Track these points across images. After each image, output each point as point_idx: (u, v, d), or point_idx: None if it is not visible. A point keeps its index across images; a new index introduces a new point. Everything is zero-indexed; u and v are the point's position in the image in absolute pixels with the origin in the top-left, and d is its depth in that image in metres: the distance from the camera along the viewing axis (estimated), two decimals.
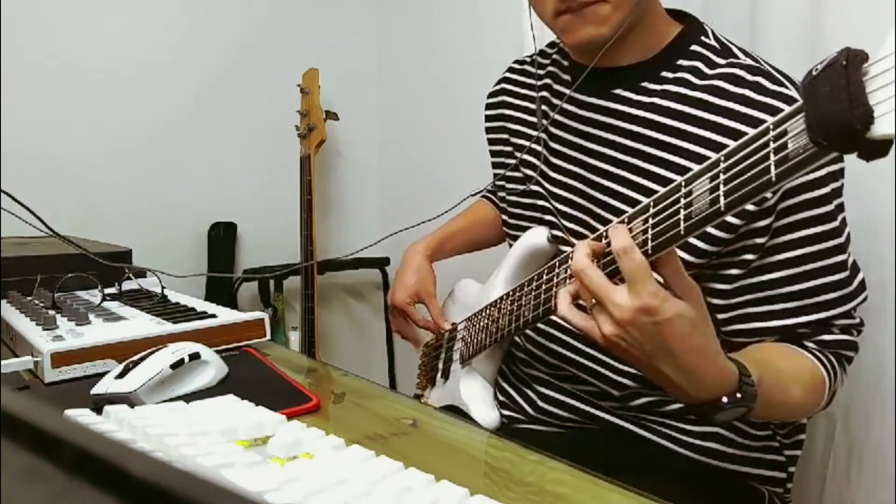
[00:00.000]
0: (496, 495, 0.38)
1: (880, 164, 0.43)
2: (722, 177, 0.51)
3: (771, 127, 0.47)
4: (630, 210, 0.59)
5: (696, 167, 0.71)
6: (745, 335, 0.73)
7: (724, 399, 0.58)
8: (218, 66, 1.87)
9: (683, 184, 0.55)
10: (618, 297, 0.55)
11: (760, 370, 0.61)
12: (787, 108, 0.46)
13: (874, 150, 0.41)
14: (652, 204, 0.57)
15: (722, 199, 0.50)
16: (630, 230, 0.57)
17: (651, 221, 0.56)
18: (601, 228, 0.79)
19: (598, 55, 0.76)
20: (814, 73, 0.43)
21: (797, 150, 0.45)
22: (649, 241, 0.56)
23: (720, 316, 0.73)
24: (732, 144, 0.51)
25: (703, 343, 0.57)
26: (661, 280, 0.56)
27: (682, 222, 0.53)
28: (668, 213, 0.55)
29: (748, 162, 0.49)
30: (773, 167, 0.46)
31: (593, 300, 0.58)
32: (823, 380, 0.70)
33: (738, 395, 0.58)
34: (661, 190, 0.57)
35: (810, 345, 0.71)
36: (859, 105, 0.40)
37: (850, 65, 0.41)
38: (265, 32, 1.94)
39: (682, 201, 0.54)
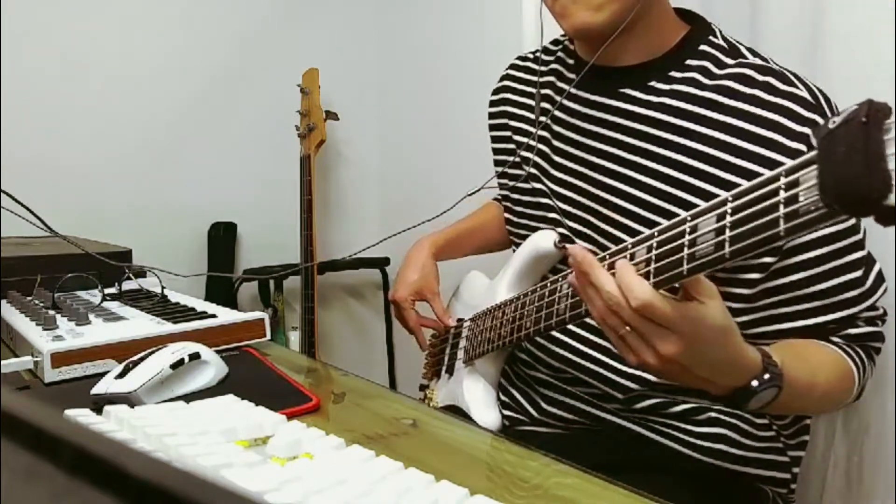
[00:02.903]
0: (496, 495, 0.38)
1: None
2: (728, 219, 0.49)
3: (783, 174, 0.45)
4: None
5: (704, 167, 0.72)
6: (769, 337, 0.72)
7: (755, 382, 0.59)
8: (218, 66, 1.87)
9: (689, 219, 0.53)
10: (688, 321, 0.54)
11: (781, 355, 0.62)
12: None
13: (891, 215, 0.38)
14: (657, 233, 0.56)
15: (727, 244, 0.49)
16: (633, 256, 0.57)
17: (654, 253, 0.55)
18: (604, 227, 0.79)
19: (600, 50, 0.76)
20: (830, 125, 0.40)
21: (807, 208, 0.42)
22: (651, 276, 0.55)
23: (742, 319, 0.72)
24: (742, 186, 0.49)
25: (730, 338, 0.57)
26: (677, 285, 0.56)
27: (685, 262, 0.52)
28: (671, 247, 0.54)
29: (757, 208, 0.46)
30: (782, 220, 0.44)
31: (628, 327, 0.56)
32: (851, 370, 0.70)
33: (766, 377, 0.59)
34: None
35: (836, 339, 0.72)
36: (877, 171, 0.37)
37: (870, 122, 0.38)
38: (265, 32, 1.93)
39: (687, 238, 0.53)
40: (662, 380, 0.70)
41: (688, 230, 0.53)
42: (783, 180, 0.45)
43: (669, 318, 0.54)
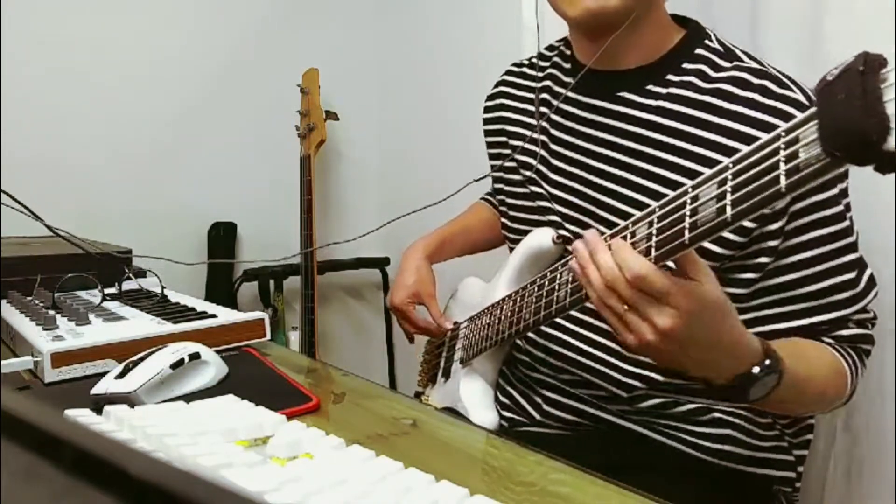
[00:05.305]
0: (496, 495, 0.38)
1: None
2: (729, 184, 0.49)
3: (782, 133, 0.45)
4: (631, 211, 0.59)
5: (701, 169, 0.72)
6: (764, 337, 0.73)
7: (756, 369, 0.59)
8: (218, 66, 1.87)
9: (690, 189, 0.53)
10: (684, 295, 0.54)
11: (779, 347, 0.62)
12: (798, 114, 0.44)
13: (891, 162, 0.39)
14: (658, 208, 0.56)
15: (729, 208, 0.49)
16: (634, 234, 0.57)
17: (656, 227, 0.55)
18: (601, 230, 0.79)
19: (601, 50, 0.76)
20: (829, 78, 0.41)
21: (809, 161, 0.43)
22: (653, 249, 0.55)
23: None
24: (742, 150, 0.49)
25: (727, 318, 0.58)
26: (675, 266, 0.56)
27: (686, 231, 0.52)
28: (673, 218, 0.54)
29: (757, 170, 0.47)
30: (783, 177, 0.45)
31: (625, 305, 0.56)
32: (845, 370, 0.71)
33: (767, 363, 0.59)
34: (669, 194, 0.56)
35: (828, 340, 0.72)
36: (875, 114, 0.38)
37: (867, 70, 0.39)
38: (265, 32, 1.93)
39: (689, 208, 0.53)
40: (663, 366, 0.70)
41: (689, 201, 0.53)
42: (783, 139, 0.45)
43: (665, 290, 0.54)
